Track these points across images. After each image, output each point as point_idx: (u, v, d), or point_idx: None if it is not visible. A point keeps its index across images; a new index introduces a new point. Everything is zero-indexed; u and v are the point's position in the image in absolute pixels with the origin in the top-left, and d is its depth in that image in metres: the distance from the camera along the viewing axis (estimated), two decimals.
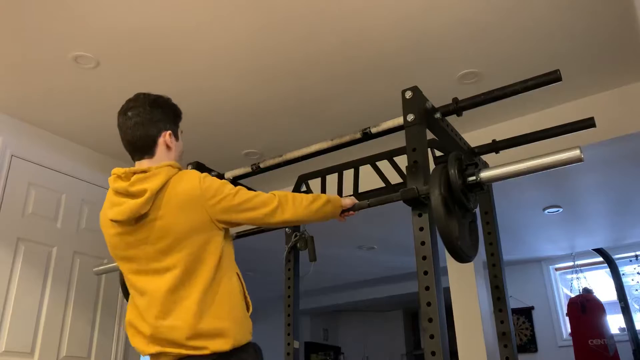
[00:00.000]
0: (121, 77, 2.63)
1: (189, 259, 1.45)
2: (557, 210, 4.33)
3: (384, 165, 2.25)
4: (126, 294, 1.95)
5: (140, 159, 1.57)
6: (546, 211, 4.34)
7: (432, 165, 1.79)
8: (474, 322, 3.29)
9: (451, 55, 2.55)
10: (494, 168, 1.57)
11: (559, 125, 2.09)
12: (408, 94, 1.74)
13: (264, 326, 6.47)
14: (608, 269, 5.51)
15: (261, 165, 2.21)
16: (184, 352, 1.41)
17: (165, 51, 2.45)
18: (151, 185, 1.44)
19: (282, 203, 1.58)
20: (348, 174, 2.38)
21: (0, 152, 2.84)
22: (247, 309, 1.53)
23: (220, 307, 1.44)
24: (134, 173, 1.49)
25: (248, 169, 2.26)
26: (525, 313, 6.07)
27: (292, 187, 2.54)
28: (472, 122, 3.13)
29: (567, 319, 5.51)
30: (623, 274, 5.48)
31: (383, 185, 2.24)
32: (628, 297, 5.31)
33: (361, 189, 2.32)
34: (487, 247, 2.20)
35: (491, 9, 2.24)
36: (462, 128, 2.79)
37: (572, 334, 5.26)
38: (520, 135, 2.18)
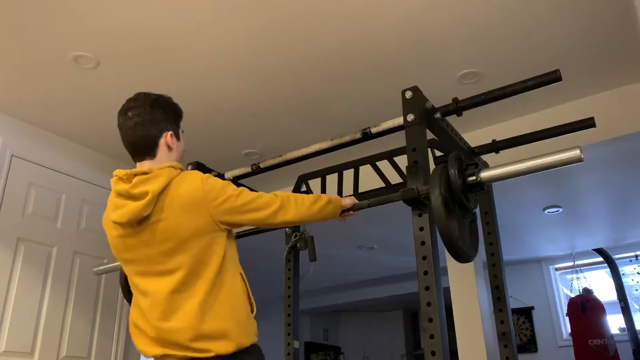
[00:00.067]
0: (121, 77, 2.63)
1: (192, 261, 1.44)
2: (557, 210, 4.33)
3: (384, 165, 2.25)
4: (128, 298, 1.95)
5: (141, 160, 1.56)
6: (546, 211, 4.34)
7: (432, 165, 1.79)
8: (474, 322, 3.29)
9: (451, 55, 2.55)
10: (494, 168, 1.57)
11: (559, 125, 2.09)
12: (408, 94, 1.74)
13: (264, 326, 6.44)
14: (608, 269, 5.51)
15: (261, 165, 2.21)
16: (188, 354, 1.40)
17: (165, 51, 2.45)
18: (153, 187, 1.43)
19: (284, 204, 1.57)
20: (348, 174, 2.38)
21: (0, 152, 2.84)
22: (252, 310, 1.53)
23: (223, 307, 1.43)
24: (136, 175, 1.47)
25: (248, 169, 2.26)
26: (525, 313, 6.08)
27: (292, 187, 2.54)
28: (472, 122, 3.13)
29: (567, 319, 5.51)
30: (623, 274, 5.48)
31: (383, 185, 2.24)
32: (628, 297, 5.31)
33: (361, 189, 2.32)
34: (487, 247, 2.20)
35: (491, 9, 2.24)
36: (462, 128, 2.79)
37: (572, 334, 5.26)
38: (520, 135, 2.18)
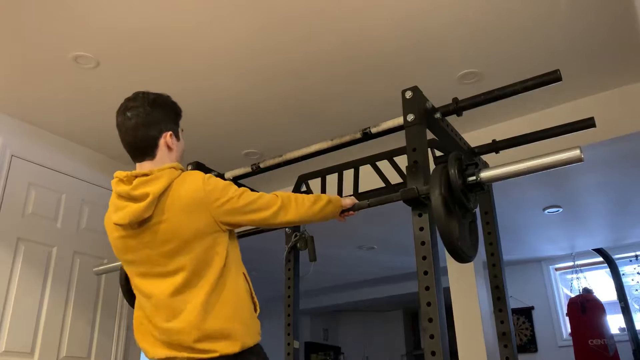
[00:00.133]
0: (121, 77, 2.63)
1: (195, 262, 1.44)
2: (557, 210, 4.33)
3: (384, 165, 2.25)
4: (128, 298, 1.94)
5: (141, 160, 1.54)
6: (546, 211, 4.34)
7: (432, 165, 1.79)
8: (474, 322, 3.29)
9: (451, 55, 2.55)
10: (494, 168, 1.57)
11: (559, 125, 2.09)
12: (408, 94, 1.74)
13: (265, 326, 6.46)
14: (608, 269, 5.51)
15: (261, 165, 2.21)
16: (193, 355, 1.40)
17: (165, 51, 2.45)
18: (153, 188, 1.43)
19: (285, 204, 1.57)
20: (348, 174, 2.38)
21: (0, 152, 2.84)
22: (255, 310, 1.52)
23: (226, 307, 1.43)
24: (136, 176, 1.47)
25: (248, 169, 2.26)
26: (525, 313, 6.08)
27: (292, 187, 2.54)
28: (472, 122, 3.13)
29: (567, 319, 5.52)
30: (623, 274, 5.48)
31: (383, 185, 2.24)
32: (628, 297, 5.31)
33: (361, 189, 2.31)
34: (487, 247, 2.20)
35: (491, 9, 2.24)
36: (462, 128, 2.79)
37: (572, 334, 5.26)
38: (520, 135, 2.18)
